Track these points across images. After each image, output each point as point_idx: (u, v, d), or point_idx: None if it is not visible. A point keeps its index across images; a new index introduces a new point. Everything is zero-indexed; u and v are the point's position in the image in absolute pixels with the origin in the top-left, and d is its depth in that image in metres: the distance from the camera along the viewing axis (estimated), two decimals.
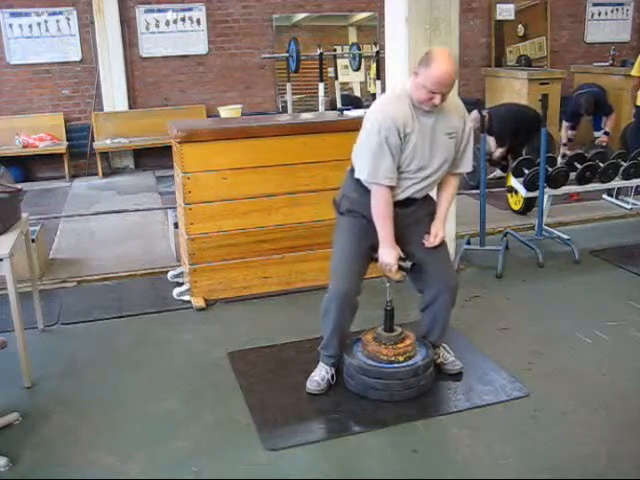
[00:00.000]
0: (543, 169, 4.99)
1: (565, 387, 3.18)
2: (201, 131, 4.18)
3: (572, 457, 2.68)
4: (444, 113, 2.88)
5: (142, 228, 5.94)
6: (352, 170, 3.04)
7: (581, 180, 5.41)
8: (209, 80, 8.56)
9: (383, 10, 4.54)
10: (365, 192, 2.95)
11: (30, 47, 7.94)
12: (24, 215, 3.65)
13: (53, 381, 3.34)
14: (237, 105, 8.08)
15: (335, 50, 8.41)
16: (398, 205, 2.95)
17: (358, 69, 8.22)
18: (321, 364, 3.21)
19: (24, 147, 7.82)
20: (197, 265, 4.21)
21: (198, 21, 8.37)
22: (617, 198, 6.02)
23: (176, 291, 4.34)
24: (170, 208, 5.77)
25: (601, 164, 5.45)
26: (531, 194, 5.32)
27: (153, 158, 8.32)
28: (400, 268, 2.95)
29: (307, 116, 5.85)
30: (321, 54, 7.16)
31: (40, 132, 7.92)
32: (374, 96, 8.04)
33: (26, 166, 7.96)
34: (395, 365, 3.05)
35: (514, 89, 8.21)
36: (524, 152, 7.16)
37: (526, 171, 5.34)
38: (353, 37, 9.05)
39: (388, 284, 3.07)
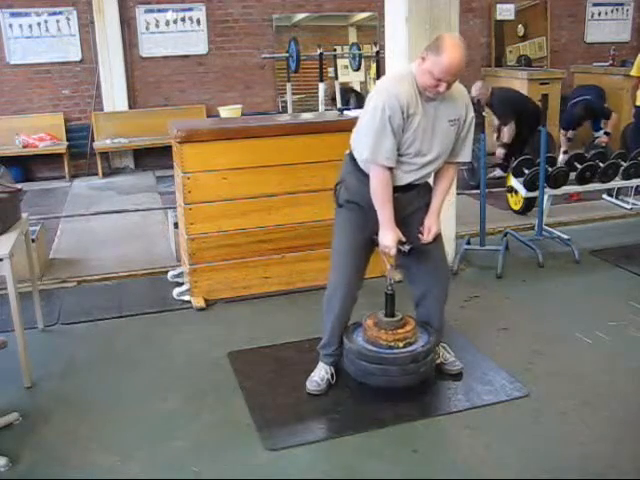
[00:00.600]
0: (543, 169, 4.99)
1: (565, 387, 3.18)
2: (201, 131, 4.18)
3: (572, 457, 2.68)
4: (448, 100, 2.84)
5: (142, 228, 5.95)
6: (351, 154, 3.00)
7: (581, 180, 5.41)
8: (209, 80, 8.56)
9: (383, 10, 4.53)
10: (364, 177, 2.91)
11: (30, 47, 7.93)
12: (24, 215, 3.65)
13: (53, 381, 3.34)
14: (237, 105, 8.01)
15: (335, 50, 8.40)
16: (398, 190, 2.91)
17: (358, 69, 8.22)
18: (320, 364, 3.21)
19: (24, 147, 7.81)
20: (197, 265, 4.21)
21: (198, 21, 8.37)
22: (617, 198, 6.02)
23: (176, 291, 4.34)
24: (170, 208, 5.78)
25: (601, 164, 5.45)
26: (531, 194, 5.32)
27: (153, 158, 8.32)
28: (399, 251, 2.93)
29: (307, 116, 5.86)
30: (321, 54, 7.16)
31: (40, 132, 7.92)
32: None
33: (26, 166, 7.96)
34: (394, 351, 3.01)
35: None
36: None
37: (526, 171, 5.34)
38: (353, 37, 9.05)
39: (389, 267, 3.03)
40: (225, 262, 4.25)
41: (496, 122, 7.07)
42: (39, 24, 7.92)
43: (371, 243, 3.05)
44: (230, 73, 8.60)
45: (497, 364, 3.37)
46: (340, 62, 8.42)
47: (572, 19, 9.78)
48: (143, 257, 5.10)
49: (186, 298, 4.26)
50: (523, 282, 4.49)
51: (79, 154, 8.26)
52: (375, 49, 7.81)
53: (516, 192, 5.62)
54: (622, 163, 5.51)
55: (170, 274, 4.61)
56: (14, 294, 3.17)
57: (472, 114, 2.97)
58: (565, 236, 5.04)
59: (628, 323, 3.81)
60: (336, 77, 7.89)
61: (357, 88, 9.16)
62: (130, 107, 8.29)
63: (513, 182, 5.49)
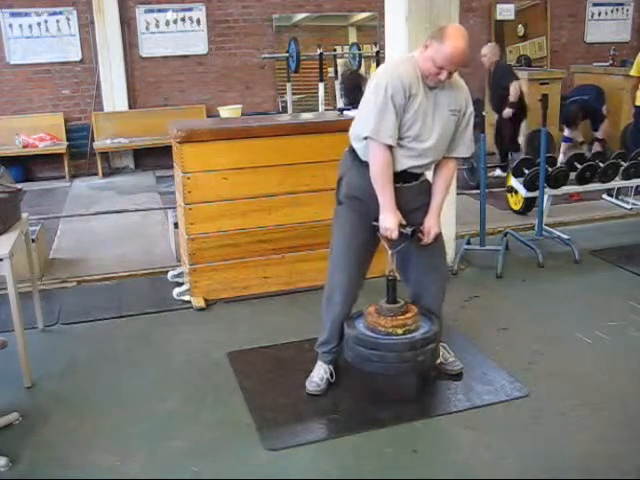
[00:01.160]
0: (543, 169, 4.99)
1: (565, 387, 3.18)
2: (201, 131, 4.18)
3: (572, 457, 2.68)
4: (449, 89, 2.86)
5: (142, 228, 5.94)
6: (352, 150, 2.99)
7: (581, 180, 5.40)
8: (209, 80, 8.56)
9: (383, 10, 4.53)
10: (365, 169, 2.89)
11: (30, 47, 7.94)
12: (24, 215, 3.65)
13: (53, 381, 3.34)
14: (237, 105, 8.08)
15: (335, 50, 8.41)
16: (398, 179, 2.90)
17: (358, 69, 8.22)
18: (320, 363, 3.21)
19: (24, 147, 7.82)
20: (197, 265, 4.21)
21: (198, 21, 8.37)
22: (617, 198, 6.02)
23: (176, 291, 4.34)
24: (170, 208, 5.77)
25: (601, 164, 5.45)
26: (531, 194, 5.32)
27: (153, 158, 8.33)
28: (401, 235, 2.90)
29: (307, 116, 5.86)
30: (321, 54, 7.16)
31: (40, 132, 7.92)
32: None
33: (26, 166, 7.96)
34: (392, 337, 2.95)
35: None
36: (524, 151, 7.19)
37: (526, 171, 5.34)
38: (353, 37, 9.06)
39: (390, 252, 2.99)
40: (225, 262, 4.25)
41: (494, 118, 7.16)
42: (39, 24, 7.92)
43: (372, 242, 3.04)
44: (230, 73, 8.60)
45: (497, 364, 3.37)
46: (340, 62, 8.42)
47: (572, 19, 9.78)
48: (143, 257, 5.10)
49: (186, 298, 4.26)
50: (523, 282, 4.49)
51: (79, 154, 8.26)
52: (375, 49, 7.82)
53: (516, 192, 5.62)
54: (622, 163, 5.50)
55: (170, 274, 4.61)
56: (14, 294, 3.17)
57: (471, 109, 2.97)
58: (565, 236, 5.04)
59: (628, 323, 3.81)
60: (336, 77, 7.89)
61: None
62: (130, 107, 8.30)
63: (513, 182, 5.49)
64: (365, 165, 2.90)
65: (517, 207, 5.83)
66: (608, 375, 3.29)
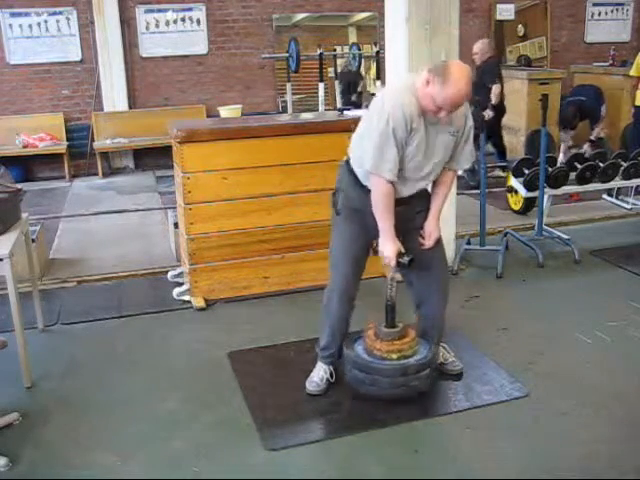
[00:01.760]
0: (543, 169, 4.99)
1: (565, 387, 3.18)
2: (201, 131, 4.18)
3: (572, 457, 2.68)
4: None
5: (142, 228, 5.95)
6: (347, 162, 2.99)
7: (581, 180, 5.41)
8: (209, 80, 8.56)
9: (383, 10, 4.53)
10: (363, 192, 2.91)
11: (30, 47, 7.94)
12: (24, 215, 3.65)
13: (53, 381, 3.34)
14: (237, 105, 8.08)
15: (335, 50, 8.41)
16: (399, 203, 2.91)
17: (358, 69, 8.22)
18: (319, 364, 3.21)
19: (24, 147, 7.82)
20: (197, 265, 4.21)
21: (198, 21, 8.37)
22: (617, 198, 6.02)
23: (176, 291, 4.34)
24: (170, 208, 5.77)
25: (601, 164, 5.45)
26: (531, 194, 5.31)
27: (153, 158, 8.33)
28: (398, 264, 2.92)
29: (307, 116, 5.86)
30: (321, 54, 7.16)
31: (40, 132, 7.92)
32: (374, 96, 8.04)
33: (26, 166, 7.96)
34: (386, 362, 3.00)
35: (514, 89, 8.20)
36: (524, 151, 7.20)
37: (526, 171, 5.34)
38: (353, 37, 9.06)
39: (390, 279, 3.03)
40: (225, 262, 4.25)
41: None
42: (39, 24, 7.92)
43: (367, 248, 3.05)
44: (230, 73, 8.60)
45: (497, 364, 3.37)
46: (340, 62, 8.42)
47: (572, 19, 9.78)
48: (143, 257, 5.10)
49: (186, 298, 4.26)
50: (523, 282, 4.49)
51: (79, 154, 8.26)
52: (375, 49, 7.83)
53: (516, 192, 5.62)
54: (622, 163, 5.51)
55: (170, 274, 4.61)
56: (14, 294, 3.17)
57: (471, 123, 2.94)
58: (565, 236, 5.04)
59: (628, 323, 3.80)
60: (336, 77, 7.89)
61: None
62: (130, 107, 8.30)
63: (513, 182, 5.49)
64: (366, 189, 2.90)
65: (517, 207, 5.83)
66: (608, 375, 3.29)
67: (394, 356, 3.02)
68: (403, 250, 2.94)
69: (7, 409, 2.99)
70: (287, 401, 3.09)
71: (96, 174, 8.09)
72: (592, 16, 9.86)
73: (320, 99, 7.11)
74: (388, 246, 2.90)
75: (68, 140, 8.13)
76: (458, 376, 3.26)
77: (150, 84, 8.40)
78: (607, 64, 9.18)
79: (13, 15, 7.83)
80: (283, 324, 3.91)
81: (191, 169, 4.08)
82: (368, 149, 2.80)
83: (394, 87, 2.95)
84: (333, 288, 3.08)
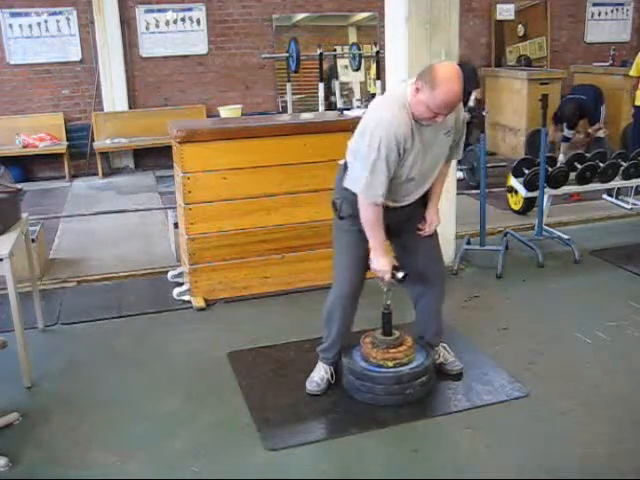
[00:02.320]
0: (543, 169, 4.99)
1: (565, 387, 3.18)
2: (201, 131, 4.18)
3: (572, 457, 2.68)
4: None
5: (142, 228, 5.94)
6: (345, 166, 2.96)
7: (581, 180, 5.40)
8: (209, 80, 8.56)
9: (383, 10, 4.53)
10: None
11: (30, 47, 7.94)
12: (24, 215, 3.65)
13: (53, 381, 3.34)
14: (237, 105, 8.09)
15: (335, 50, 8.41)
16: (395, 209, 2.93)
17: (358, 69, 8.23)
18: (320, 364, 3.21)
19: (24, 147, 7.82)
20: (197, 265, 4.21)
21: (198, 21, 8.37)
22: (617, 198, 6.02)
23: (176, 291, 4.34)
24: (170, 208, 5.78)
25: (601, 164, 5.45)
26: (531, 194, 5.31)
27: (153, 158, 8.33)
28: (393, 277, 2.93)
29: (307, 116, 5.86)
30: (321, 54, 7.16)
31: (40, 132, 7.92)
32: (374, 96, 8.05)
33: (26, 166, 7.96)
34: (381, 369, 3.02)
35: (514, 89, 8.22)
36: (524, 151, 7.20)
37: (526, 171, 5.34)
38: (353, 37, 9.05)
39: (385, 288, 3.05)
40: (225, 262, 4.25)
41: None
42: (39, 24, 7.92)
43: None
44: (230, 73, 8.60)
45: (497, 364, 3.37)
46: (340, 62, 8.42)
47: (572, 19, 9.78)
48: (143, 257, 5.10)
49: (186, 298, 4.26)
50: (523, 282, 4.49)
51: (79, 154, 8.26)
52: (375, 49, 7.82)
53: (516, 192, 5.61)
54: (622, 163, 5.50)
55: (170, 274, 4.61)
56: (14, 294, 3.17)
57: (463, 114, 2.93)
58: (565, 236, 5.04)
59: (628, 323, 3.81)
60: (336, 77, 7.90)
61: (357, 88, 9.14)
62: (130, 107, 8.29)
63: (513, 182, 5.49)
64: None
65: (517, 207, 5.83)
66: (608, 375, 3.29)
67: (389, 364, 3.03)
68: (396, 263, 2.96)
69: (7, 409, 2.99)
70: (287, 401, 3.09)
71: (96, 174, 8.08)
72: (592, 16, 9.86)
73: (320, 99, 7.11)
74: (381, 261, 2.90)
75: (68, 140, 8.12)
76: (458, 376, 3.26)
77: (150, 84, 8.40)
78: (607, 64, 9.18)
79: (13, 15, 7.83)
80: (283, 324, 3.91)
81: (191, 169, 4.08)
82: (358, 174, 2.77)
83: (385, 105, 2.82)
84: (338, 293, 3.07)
